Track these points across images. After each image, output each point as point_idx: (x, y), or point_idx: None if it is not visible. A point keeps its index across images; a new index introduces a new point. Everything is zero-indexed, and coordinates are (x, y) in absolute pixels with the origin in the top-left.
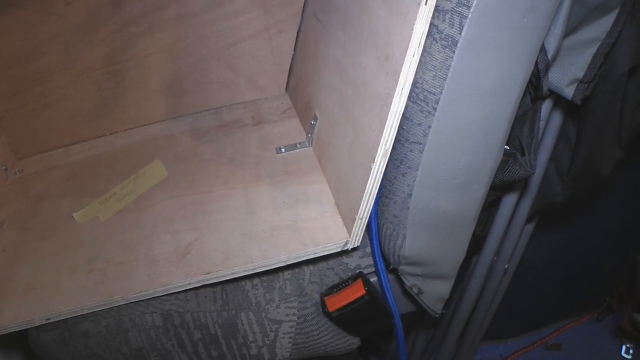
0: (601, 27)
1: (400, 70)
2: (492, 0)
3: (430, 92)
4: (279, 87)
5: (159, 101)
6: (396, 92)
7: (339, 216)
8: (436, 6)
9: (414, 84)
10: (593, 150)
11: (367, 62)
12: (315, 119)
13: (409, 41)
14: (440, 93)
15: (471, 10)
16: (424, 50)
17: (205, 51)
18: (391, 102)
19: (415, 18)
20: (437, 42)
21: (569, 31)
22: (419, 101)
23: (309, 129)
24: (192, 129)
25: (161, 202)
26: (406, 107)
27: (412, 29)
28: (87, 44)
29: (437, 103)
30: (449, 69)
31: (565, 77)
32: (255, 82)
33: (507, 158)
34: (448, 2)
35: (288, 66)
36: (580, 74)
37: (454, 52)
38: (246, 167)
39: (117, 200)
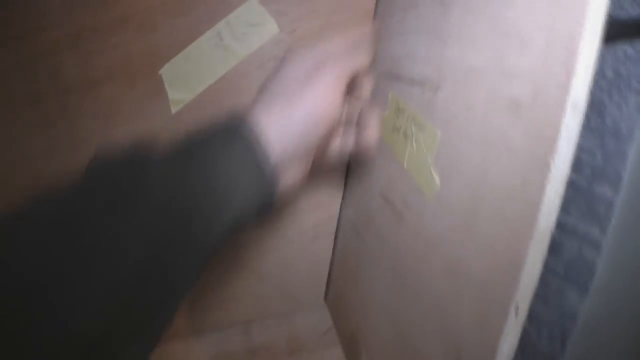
0: None
1: None
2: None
3: None
4: (316, 296)
5: (177, 317)
6: None
7: None
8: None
9: None
10: None
11: (427, 342)
12: None
13: (493, 355)
14: None
15: (577, 326)
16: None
17: (231, 262)
18: None
19: (500, 331)
20: (529, 358)
21: None
22: None
23: None
24: (217, 353)
25: None
26: None
27: (497, 344)
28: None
29: None
30: None
31: None
32: (289, 293)
33: None
34: (546, 310)
35: (326, 273)
36: None
37: None
38: None
39: None
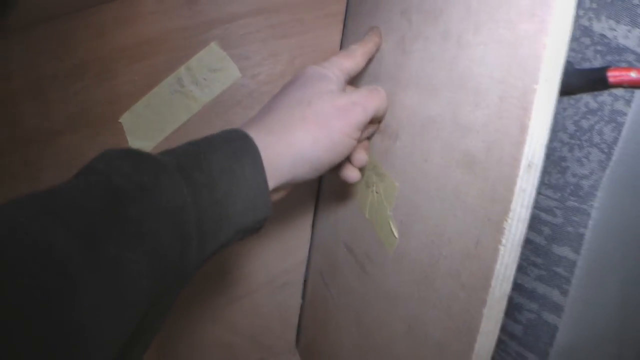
0: None
1: None
2: None
3: None
4: (287, 344)
5: None
6: None
7: None
8: None
9: None
10: None
11: None
12: None
13: None
14: None
15: None
16: None
17: (198, 312)
18: None
19: None
20: None
21: None
22: None
23: None
24: None
25: None
26: None
27: None
28: None
29: None
30: None
31: None
32: (260, 340)
33: None
34: None
35: (296, 319)
36: None
37: None
38: None
39: None
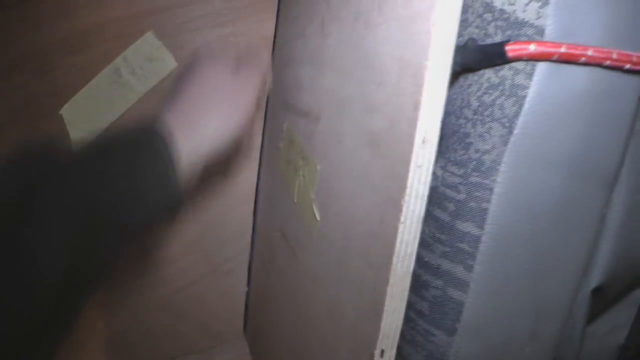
0: (626, 310)
1: None
2: (477, 349)
3: None
4: (235, 330)
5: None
6: None
7: None
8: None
9: None
10: None
11: None
12: None
13: None
14: None
15: None
16: None
17: (146, 301)
18: None
19: None
20: None
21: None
22: None
23: None
24: None
25: None
26: None
27: None
28: None
29: None
30: None
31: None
32: (208, 328)
33: None
34: (415, 352)
35: (243, 306)
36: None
37: None
38: None
39: None
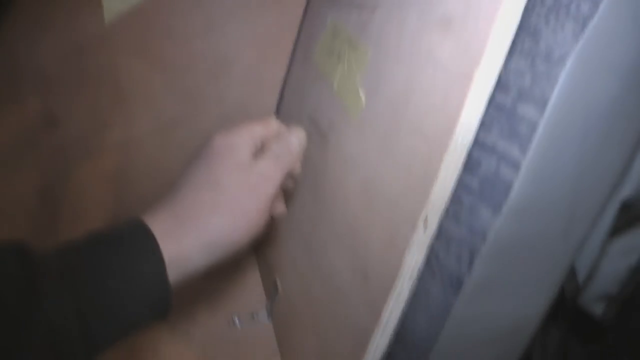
0: None
1: (382, 307)
2: (517, 232)
3: (423, 339)
4: None
5: None
6: (375, 332)
7: None
8: (439, 227)
9: (402, 321)
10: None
11: (339, 264)
12: (276, 289)
13: (397, 273)
14: (435, 341)
15: (487, 244)
16: (418, 281)
17: (156, 183)
18: (368, 343)
19: (407, 244)
20: (435, 277)
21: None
22: (407, 345)
23: (269, 296)
24: None
25: None
26: (389, 347)
27: (402, 259)
28: (19, 169)
29: (430, 351)
30: (448, 314)
31: (594, 292)
32: None
33: None
34: (456, 227)
35: None
36: (613, 290)
37: (457, 294)
38: (190, 343)
39: None
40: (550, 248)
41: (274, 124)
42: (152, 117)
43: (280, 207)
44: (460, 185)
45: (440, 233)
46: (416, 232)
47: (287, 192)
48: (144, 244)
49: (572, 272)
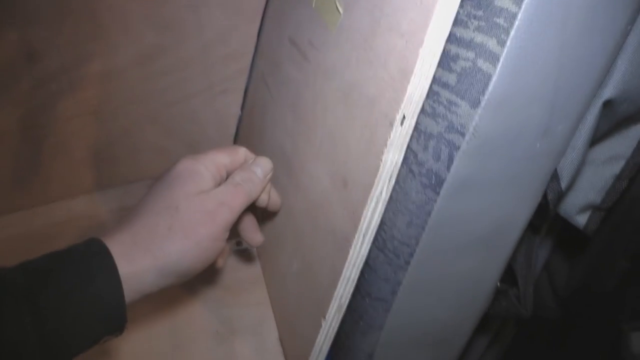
0: (627, 141)
1: (361, 212)
2: (496, 126)
3: (403, 243)
4: None
5: (84, 171)
6: (356, 238)
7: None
8: (417, 125)
9: (382, 226)
10: (595, 264)
11: (319, 175)
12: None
13: (376, 175)
14: (416, 245)
15: (466, 140)
16: (397, 184)
17: (137, 113)
18: (349, 250)
19: (385, 143)
20: (414, 178)
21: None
22: (387, 251)
23: None
24: (121, 207)
25: None
26: (370, 253)
27: (381, 158)
28: (0, 105)
29: (412, 256)
30: (429, 216)
31: (577, 202)
32: (196, 149)
33: (497, 295)
34: (434, 124)
35: (234, 130)
36: (597, 199)
37: (437, 194)
38: None
39: None
40: (530, 145)
41: (240, 153)
42: (132, 47)
43: (257, 238)
44: (438, 82)
45: (419, 131)
46: (393, 131)
47: (258, 218)
48: (103, 262)
49: (555, 177)
